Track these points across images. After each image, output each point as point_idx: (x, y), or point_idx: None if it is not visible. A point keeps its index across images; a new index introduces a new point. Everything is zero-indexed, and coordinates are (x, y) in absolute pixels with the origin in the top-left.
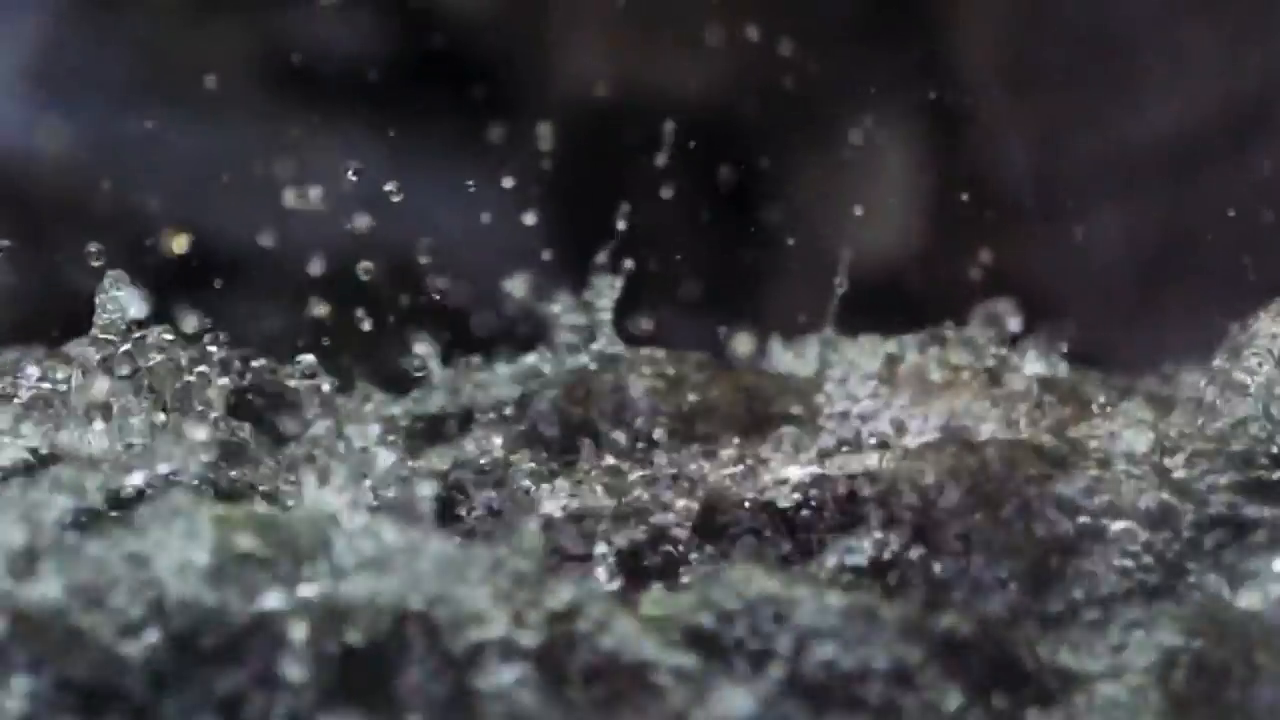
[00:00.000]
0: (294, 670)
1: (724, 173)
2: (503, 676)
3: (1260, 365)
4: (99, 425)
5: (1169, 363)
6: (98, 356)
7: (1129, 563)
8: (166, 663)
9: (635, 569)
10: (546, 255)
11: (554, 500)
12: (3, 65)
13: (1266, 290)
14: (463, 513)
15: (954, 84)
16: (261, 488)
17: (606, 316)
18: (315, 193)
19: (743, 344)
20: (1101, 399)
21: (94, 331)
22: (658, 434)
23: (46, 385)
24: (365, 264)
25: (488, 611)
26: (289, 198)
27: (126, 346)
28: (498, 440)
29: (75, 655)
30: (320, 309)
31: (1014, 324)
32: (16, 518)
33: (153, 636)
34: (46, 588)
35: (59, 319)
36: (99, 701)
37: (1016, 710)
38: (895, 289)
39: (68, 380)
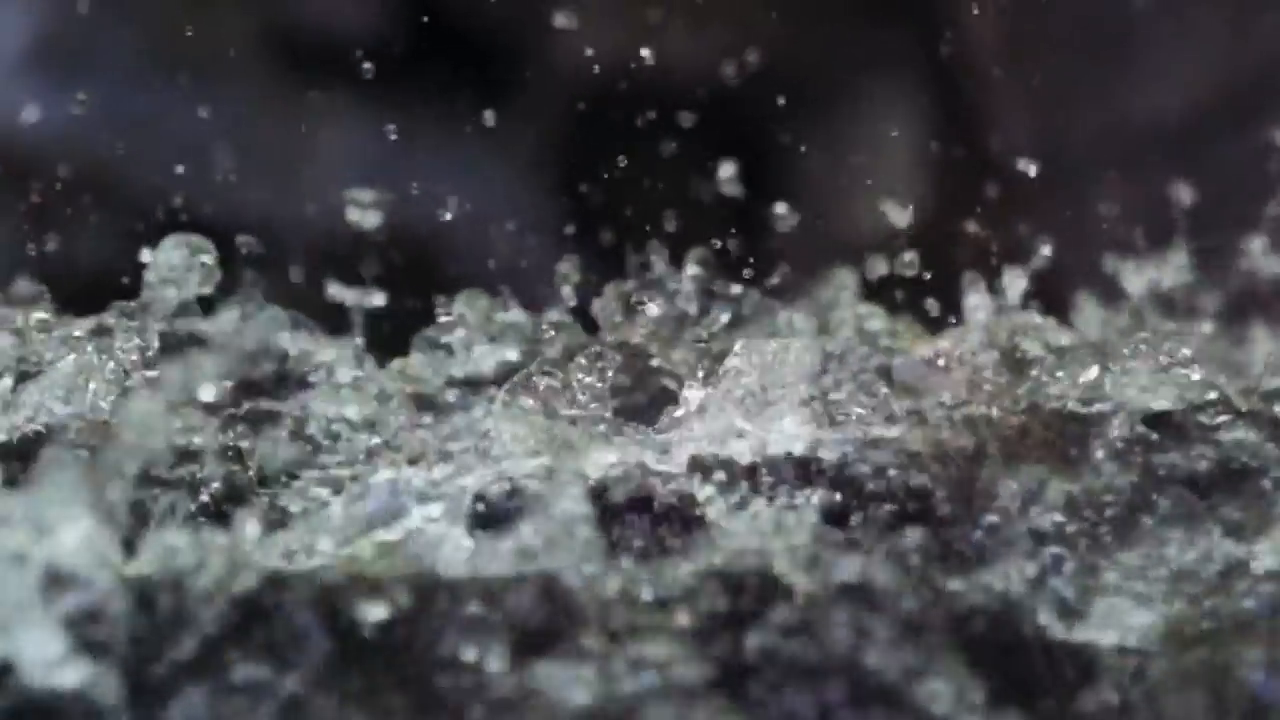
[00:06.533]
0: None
1: (727, 150)
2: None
3: None
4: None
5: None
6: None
7: (1133, 533)
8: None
9: (626, 540)
10: (549, 234)
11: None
12: (9, 44)
13: (1269, 267)
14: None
15: (957, 61)
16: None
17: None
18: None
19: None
20: (1103, 368)
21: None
22: (647, 400)
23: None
24: (369, 239)
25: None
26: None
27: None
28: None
29: None
30: (325, 285)
31: (1017, 297)
32: None
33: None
34: None
35: (63, 294)
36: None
37: (1020, 682)
38: (899, 265)
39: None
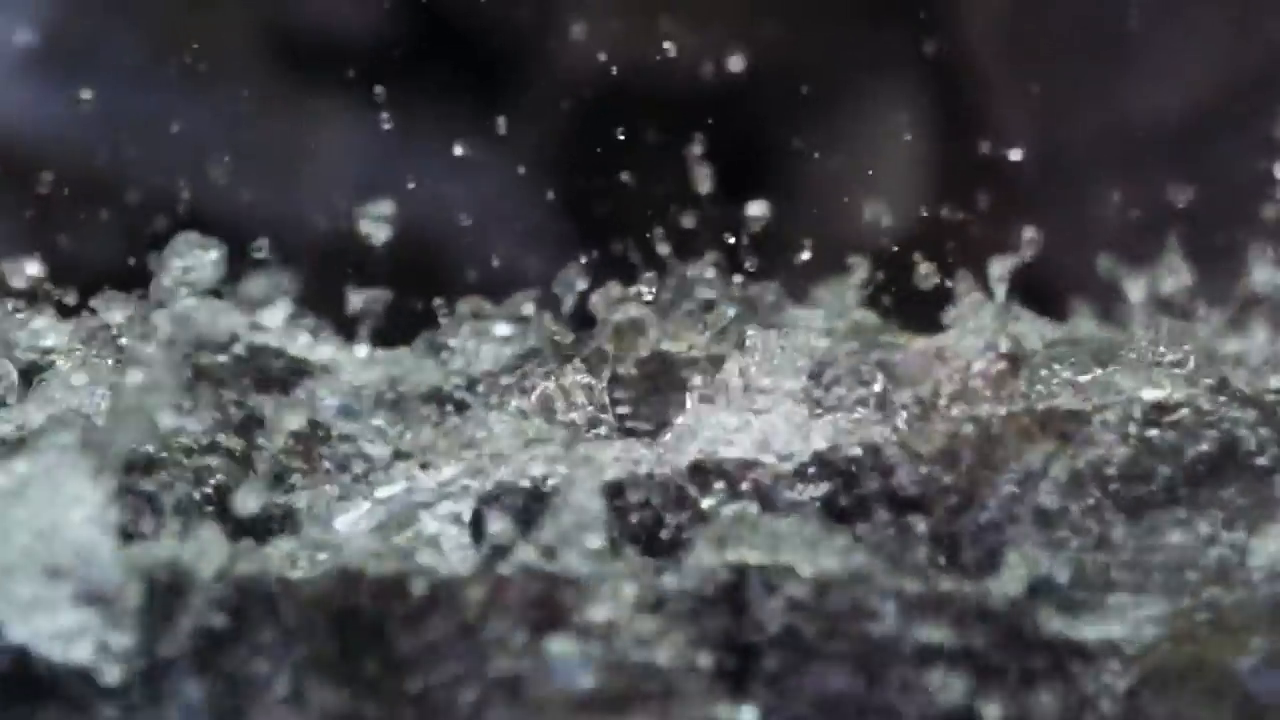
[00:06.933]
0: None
1: (728, 150)
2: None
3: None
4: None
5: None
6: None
7: (1133, 532)
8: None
9: (630, 535)
10: (550, 233)
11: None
12: (10, 44)
13: (1269, 266)
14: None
15: (957, 61)
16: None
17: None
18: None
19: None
20: (1102, 365)
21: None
22: (655, 399)
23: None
24: (370, 240)
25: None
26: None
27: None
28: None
29: None
30: (325, 286)
31: (1016, 296)
32: None
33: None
34: None
35: (64, 292)
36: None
37: (1017, 679)
38: (899, 263)
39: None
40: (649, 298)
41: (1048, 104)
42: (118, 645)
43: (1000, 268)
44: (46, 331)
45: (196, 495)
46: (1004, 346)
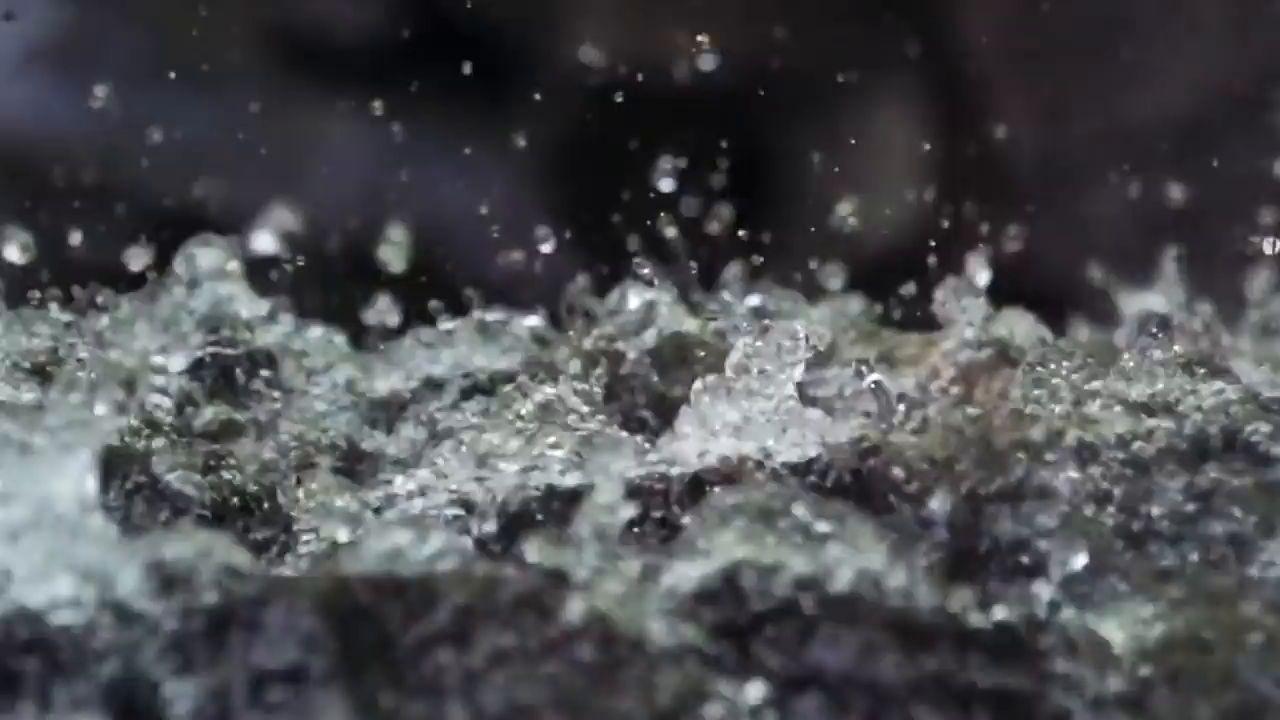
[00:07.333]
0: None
1: (728, 150)
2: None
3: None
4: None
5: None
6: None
7: (1131, 528)
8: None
9: (633, 535)
10: (551, 232)
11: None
12: (12, 45)
13: (1270, 266)
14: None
15: (958, 61)
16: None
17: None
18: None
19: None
20: (1101, 365)
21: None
22: (657, 394)
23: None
24: (372, 242)
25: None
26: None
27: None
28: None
29: None
30: (326, 286)
31: (1015, 295)
32: None
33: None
34: None
35: (65, 293)
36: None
37: (1016, 678)
38: (898, 265)
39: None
40: (650, 295)
41: (1048, 104)
42: (117, 642)
43: (998, 266)
44: (50, 328)
45: (197, 491)
46: (1002, 347)
